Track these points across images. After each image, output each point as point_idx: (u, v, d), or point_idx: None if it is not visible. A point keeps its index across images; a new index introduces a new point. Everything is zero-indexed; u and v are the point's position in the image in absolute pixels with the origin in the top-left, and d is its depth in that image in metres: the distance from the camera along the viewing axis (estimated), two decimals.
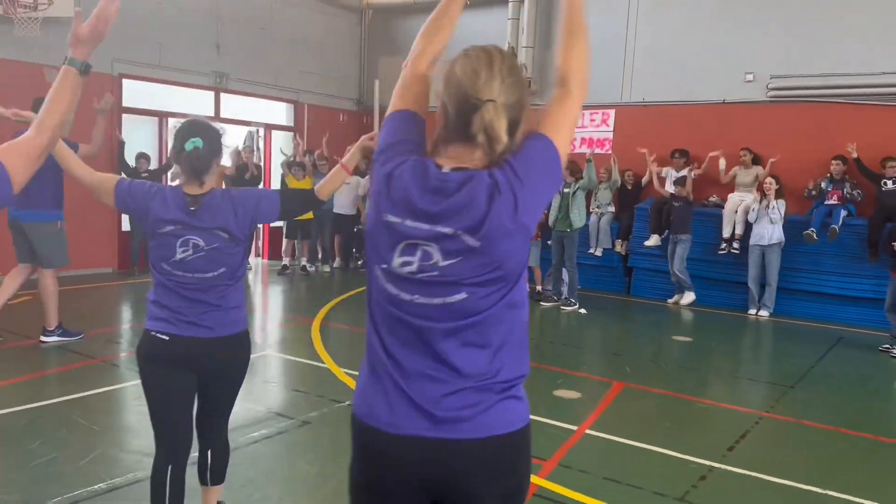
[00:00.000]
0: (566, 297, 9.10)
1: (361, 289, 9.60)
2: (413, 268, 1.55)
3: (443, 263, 1.53)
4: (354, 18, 13.53)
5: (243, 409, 4.63)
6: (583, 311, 8.75)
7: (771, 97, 9.88)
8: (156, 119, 10.53)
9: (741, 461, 4.27)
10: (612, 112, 11.16)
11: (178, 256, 2.65)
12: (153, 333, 2.68)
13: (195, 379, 2.74)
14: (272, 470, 3.86)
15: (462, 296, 1.54)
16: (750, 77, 9.98)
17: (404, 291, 1.57)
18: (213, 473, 2.95)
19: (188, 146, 2.64)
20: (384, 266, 1.59)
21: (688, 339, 7.74)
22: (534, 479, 3.84)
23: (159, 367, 2.69)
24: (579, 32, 1.77)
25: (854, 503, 3.77)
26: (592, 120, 11.32)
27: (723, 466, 4.18)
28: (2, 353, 5.85)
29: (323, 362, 5.93)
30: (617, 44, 11.00)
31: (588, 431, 4.64)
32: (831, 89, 9.45)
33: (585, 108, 11.12)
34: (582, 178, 8.90)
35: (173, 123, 10.11)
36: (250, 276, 10.76)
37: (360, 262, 11.50)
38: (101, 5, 1.91)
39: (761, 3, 9.90)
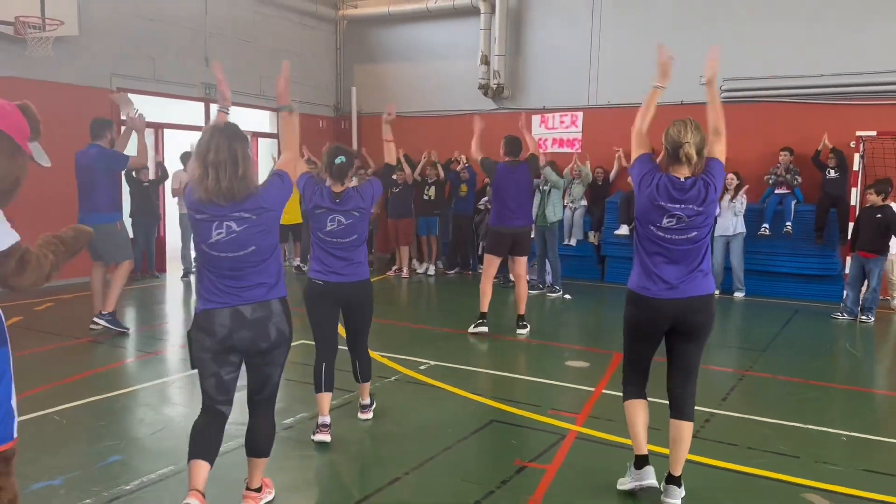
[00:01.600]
0: (551, 285, 9.94)
1: None
2: (672, 224, 3.42)
3: (686, 219, 3.40)
4: (330, 29, 14.12)
5: (308, 388, 5.28)
6: (567, 296, 9.60)
7: (724, 98, 10.90)
8: (151, 130, 10.91)
9: (735, 407, 5.15)
10: (580, 114, 12.02)
11: (328, 228, 4.26)
12: (314, 280, 4.33)
13: (339, 309, 4.38)
14: (364, 429, 4.55)
15: (694, 233, 3.43)
16: (705, 80, 10.98)
17: (667, 234, 3.44)
18: (361, 374, 4.60)
19: (336, 161, 4.25)
20: (658, 224, 3.44)
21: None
22: (572, 426, 4.63)
23: (317, 302, 4.35)
24: (721, 111, 3.64)
25: (829, 432, 4.69)
26: (562, 122, 12.17)
27: (721, 412, 5.04)
28: (62, 352, 6.33)
29: None
30: (582, 52, 11.92)
31: (604, 391, 5.44)
32: (778, 90, 10.55)
33: (555, 110, 12.05)
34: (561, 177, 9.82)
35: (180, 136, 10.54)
36: None
37: None
38: (284, 71, 3.49)
39: (712, 14, 10.94)
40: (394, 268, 11.57)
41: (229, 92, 3.58)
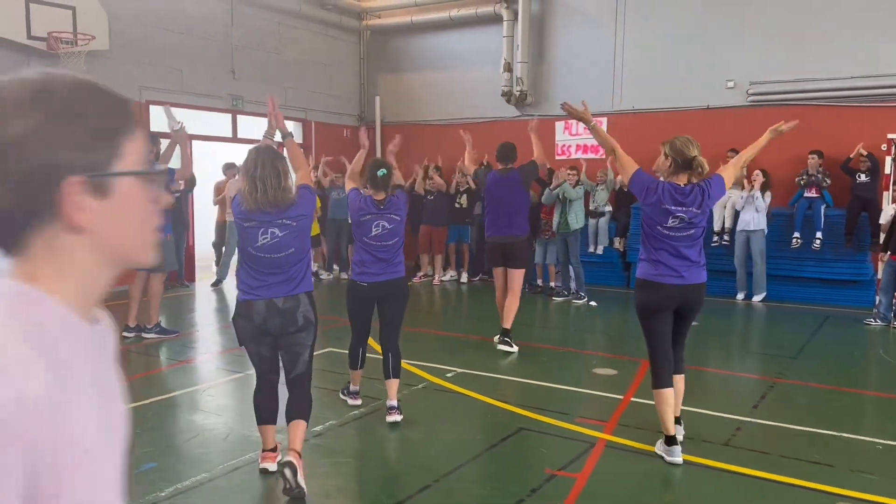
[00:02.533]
0: (575, 292, 9.91)
1: None
2: (676, 223, 4.10)
3: (688, 219, 4.09)
4: (354, 39, 14.24)
5: (336, 396, 5.33)
6: (593, 303, 9.56)
7: (751, 102, 10.83)
8: None
9: (766, 415, 5.09)
10: (604, 120, 11.98)
11: (373, 233, 4.79)
12: (357, 282, 4.87)
13: (375, 304, 4.91)
14: (393, 437, 4.57)
15: (693, 231, 4.14)
16: (731, 84, 10.93)
17: (671, 231, 4.11)
18: (392, 369, 4.93)
19: (379, 174, 4.77)
20: (664, 224, 4.11)
21: (694, 323, 8.55)
22: (601, 434, 4.62)
23: (359, 300, 4.90)
24: (747, 157, 4.57)
25: (864, 441, 4.61)
26: (586, 128, 12.14)
27: (752, 420, 4.99)
28: None
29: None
30: (606, 57, 11.89)
31: (633, 399, 5.42)
32: (804, 93, 10.42)
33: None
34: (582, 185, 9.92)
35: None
36: None
37: None
38: (272, 106, 4.22)
39: (738, 17, 10.85)
40: (419, 274, 11.62)
41: (277, 123, 4.19)
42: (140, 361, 6.53)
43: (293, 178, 3.88)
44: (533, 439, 4.63)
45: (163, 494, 3.71)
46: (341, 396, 5.23)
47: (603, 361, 6.63)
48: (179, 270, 10.60)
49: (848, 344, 7.56)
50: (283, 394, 3.95)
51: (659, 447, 4.33)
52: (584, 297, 9.74)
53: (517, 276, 6.99)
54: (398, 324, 4.99)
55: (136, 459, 4.17)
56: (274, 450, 3.98)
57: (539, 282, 10.73)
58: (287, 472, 3.56)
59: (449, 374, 6.03)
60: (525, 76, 12.40)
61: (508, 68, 12.50)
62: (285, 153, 4.02)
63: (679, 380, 4.46)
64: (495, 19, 12.61)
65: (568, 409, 5.20)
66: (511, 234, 6.90)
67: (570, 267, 10.00)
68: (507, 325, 6.91)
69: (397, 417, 4.79)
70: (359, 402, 5.14)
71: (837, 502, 3.70)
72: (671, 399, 4.30)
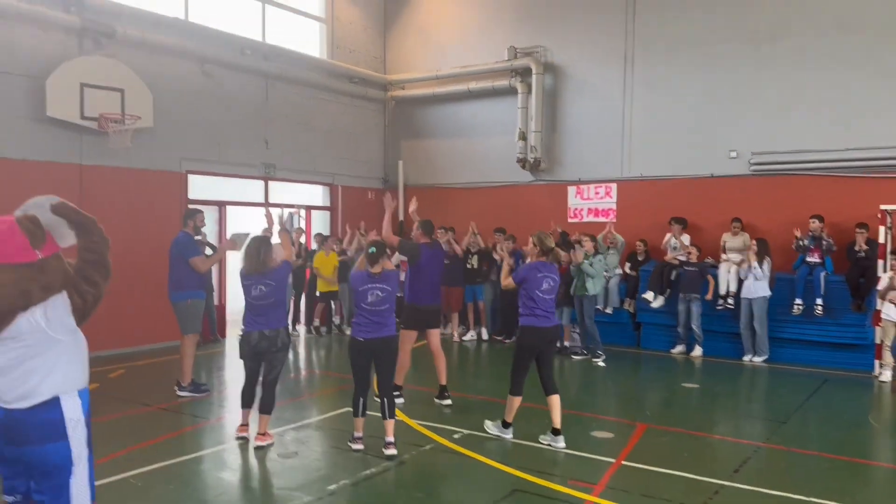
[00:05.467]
0: (593, 350, 10.32)
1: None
2: (547, 287, 6.28)
3: (553, 284, 6.34)
4: (379, 108, 15.14)
5: (350, 456, 5.87)
6: (601, 363, 10.01)
7: (753, 171, 11.35)
8: (216, 207, 11.92)
9: (745, 479, 5.51)
10: (613, 185, 12.64)
11: (369, 300, 5.93)
12: (355, 338, 6.02)
13: (372, 357, 6.02)
14: (397, 497, 5.08)
15: (554, 294, 6.41)
16: (734, 154, 11.48)
17: (543, 294, 6.26)
18: (389, 411, 6.00)
19: (370, 251, 5.94)
20: (540, 288, 6.24)
21: (695, 385, 9.00)
22: (588, 497, 5.08)
23: (357, 353, 6.03)
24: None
25: None
26: (597, 192, 12.79)
27: (731, 484, 5.41)
28: (136, 419, 7.08)
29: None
30: (615, 126, 12.56)
31: (624, 462, 5.87)
32: (803, 163, 10.93)
33: (591, 182, 12.61)
34: (598, 252, 10.42)
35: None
36: (299, 343, 11.99)
37: None
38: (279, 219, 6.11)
39: (740, 90, 11.47)
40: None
41: (273, 226, 6.76)
42: (172, 420, 7.12)
43: (279, 255, 6.20)
44: (524, 500, 5.10)
45: None
46: (348, 443, 6.10)
47: (602, 424, 7.08)
48: (211, 328, 11.29)
49: (840, 408, 7.90)
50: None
51: (493, 429, 6.48)
52: (602, 355, 10.17)
53: (437, 335, 7.85)
54: (391, 374, 6.20)
55: None
56: (246, 426, 6.27)
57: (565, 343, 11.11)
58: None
59: (456, 436, 6.53)
60: (539, 144, 13.10)
61: (523, 137, 13.22)
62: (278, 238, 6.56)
63: (555, 398, 6.32)
64: (510, 92, 13.41)
65: (562, 471, 5.67)
66: (437, 301, 7.86)
67: (584, 326, 10.45)
68: (444, 381, 7.74)
69: (393, 451, 5.89)
70: (362, 446, 6.01)
71: None
72: (518, 403, 6.35)
